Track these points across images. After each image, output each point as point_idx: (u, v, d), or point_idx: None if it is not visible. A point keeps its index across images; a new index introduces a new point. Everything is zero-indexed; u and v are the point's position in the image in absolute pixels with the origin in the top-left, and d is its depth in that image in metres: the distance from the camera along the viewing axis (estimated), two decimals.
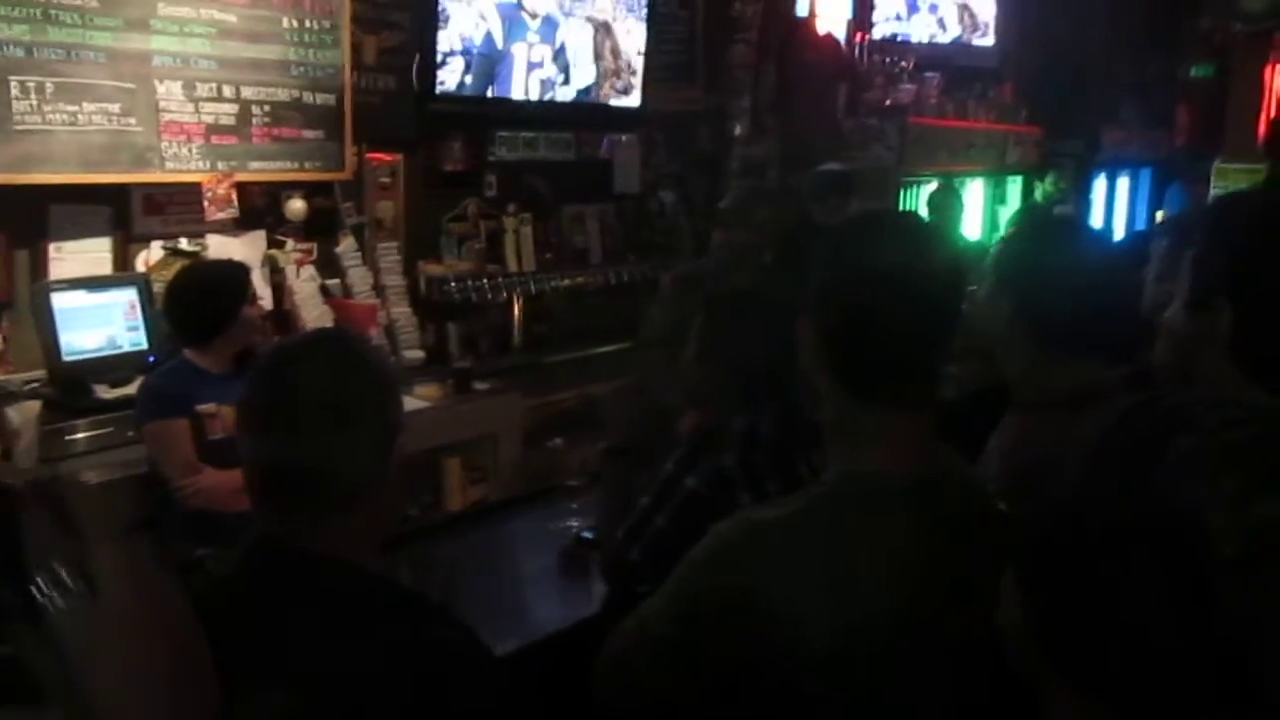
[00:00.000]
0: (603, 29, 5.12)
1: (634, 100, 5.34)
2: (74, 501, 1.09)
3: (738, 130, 6.06)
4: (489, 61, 4.66)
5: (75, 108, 3.50)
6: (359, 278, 4.22)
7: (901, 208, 6.05)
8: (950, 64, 7.10)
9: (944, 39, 7.12)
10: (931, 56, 6.98)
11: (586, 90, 5.09)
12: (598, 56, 5.12)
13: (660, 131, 5.65)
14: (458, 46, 4.53)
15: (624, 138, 5.44)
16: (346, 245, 4.22)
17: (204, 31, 3.79)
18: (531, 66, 4.84)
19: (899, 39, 6.88)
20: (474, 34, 4.59)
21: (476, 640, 1.32)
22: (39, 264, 3.51)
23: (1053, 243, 1.79)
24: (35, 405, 3.13)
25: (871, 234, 1.35)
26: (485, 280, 4.52)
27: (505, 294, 4.64)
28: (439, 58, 4.46)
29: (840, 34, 6.61)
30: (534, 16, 4.83)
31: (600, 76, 5.14)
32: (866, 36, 6.74)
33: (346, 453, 1.24)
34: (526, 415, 4.21)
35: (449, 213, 4.67)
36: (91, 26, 3.52)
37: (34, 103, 3.40)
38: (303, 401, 1.25)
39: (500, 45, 4.69)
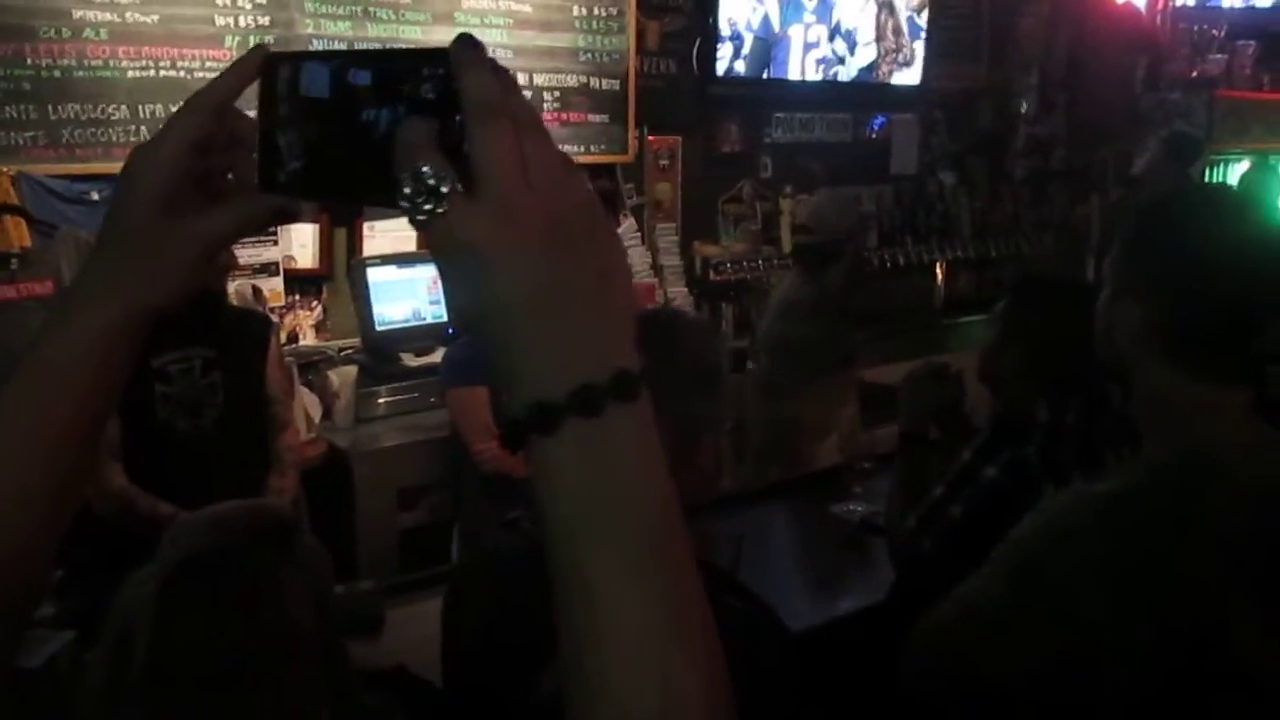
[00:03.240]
0: (885, 7, 5.01)
1: (913, 78, 5.20)
2: None
3: (1024, 108, 5.79)
4: (766, 44, 4.67)
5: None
6: (638, 257, 4.33)
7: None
8: (1266, 30, 6.46)
9: (1262, 2, 6.49)
10: (1245, 23, 6.38)
11: (868, 69, 5.01)
12: (879, 36, 5.02)
13: (940, 110, 5.48)
14: (736, 30, 4.56)
15: (901, 117, 5.31)
16: (626, 226, 4.35)
17: (501, 22, 4.00)
18: (808, 47, 4.80)
19: (1208, 5, 6.33)
20: (752, 17, 4.61)
21: (775, 616, 1.33)
22: (354, 242, 3.82)
23: None
24: (352, 370, 3.42)
25: (1201, 209, 1.30)
26: (760, 261, 4.55)
27: (779, 275, 4.64)
28: (718, 41, 4.51)
29: (1140, 2, 6.17)
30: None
31: (880, 56, 5.04)
32: (1170, 4, 6.25)
33: None
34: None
35: (725, 194, 4.72)
36: (403, 21, 3.80)
37: None
38: None
39: (777, 28, 4.69)
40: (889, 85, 5.14)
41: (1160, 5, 6.21)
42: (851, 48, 4.93)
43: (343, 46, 3.66)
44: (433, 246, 0.50)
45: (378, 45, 3.73)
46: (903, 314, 4.40)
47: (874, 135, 5.29)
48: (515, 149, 0.49)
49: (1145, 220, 1.33)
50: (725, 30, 4.53)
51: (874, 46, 5.00)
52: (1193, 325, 1.23)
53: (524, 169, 0.49)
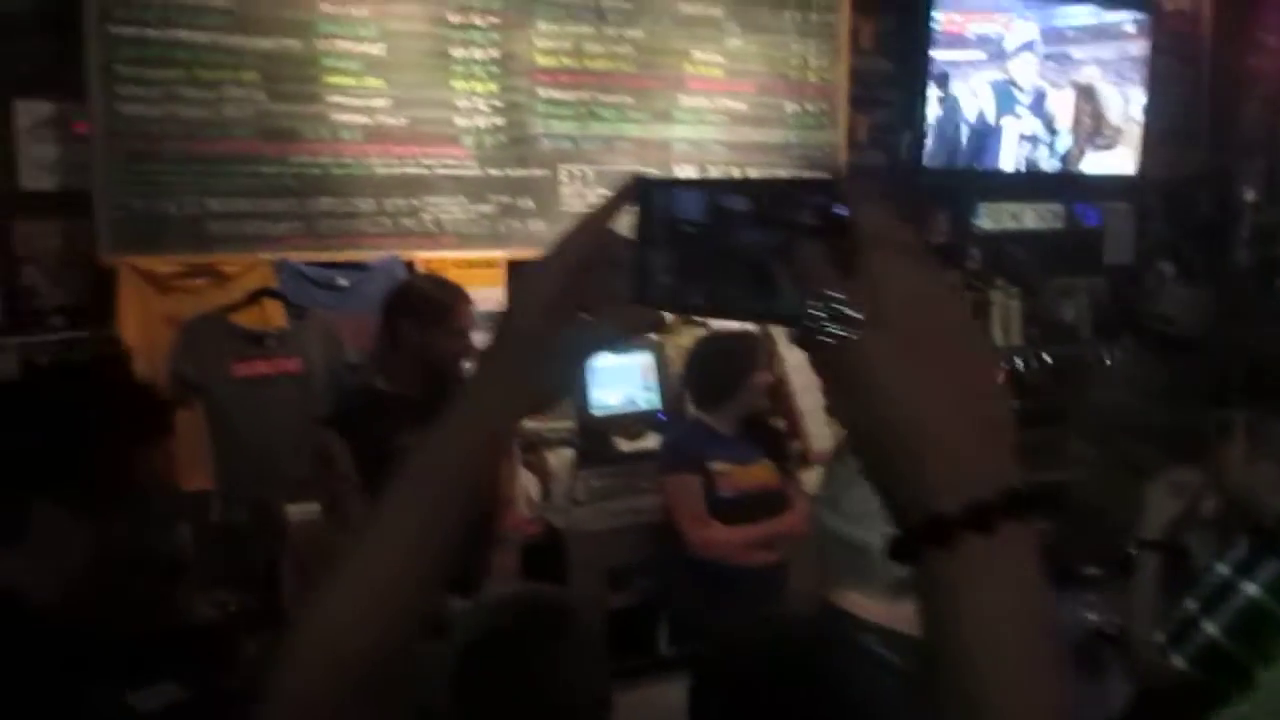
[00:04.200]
0: (1085, 92, 4.93)
1: (1125, 165, 5.07)
2: None
3: (1249, 195, 5.52)
4: (979, 136, 4.66)
5: (608, 191, 3.95)
6: None
7: None
8: None
9: None
10: None
11: (1068, 156, 4.93)
12: (1078, 121, 4.94)
13: (1157, 198, 5.29)
14: (947, 123, 4.57)
15: (1115, 205, 5.17)
16: None
17: (716, 120, 4.14)
18: (1021, 139, 4.77)
19: None
20: (966, 111, 4.61)
21: None
22: None
23: None
24: (569, 453, 3.54)
25: None
26: None
27: None
28: (927, 133, 4.53)
29: None
30: (1023, 90, 4.76)
31: (1081, 141, 4.94)
32: None
33: None
34: None
35: None
36: (625, 120, 3.98)
37: (577, 188, 3.90)
38: None
39: (992, 120, 4.68)
40: (1101, 173, 5.03)
41: None
42: (1051, 137, 4.86)
43: (569, 145, 3.87)
44: (827, 365, 0.54)
45: (601, 141, 3.92)
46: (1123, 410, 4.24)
47: (1085, 224, 5.16)
48: (911, 278, 0.53)
49: None
50: (937, 123, 4.55)
51: (1070, 133, 4.91)
52: None
53: (919, 297, 0.53)
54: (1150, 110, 5.07)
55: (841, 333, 0.52)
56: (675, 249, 0.62)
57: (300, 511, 3.10)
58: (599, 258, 0.68)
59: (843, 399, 0.54)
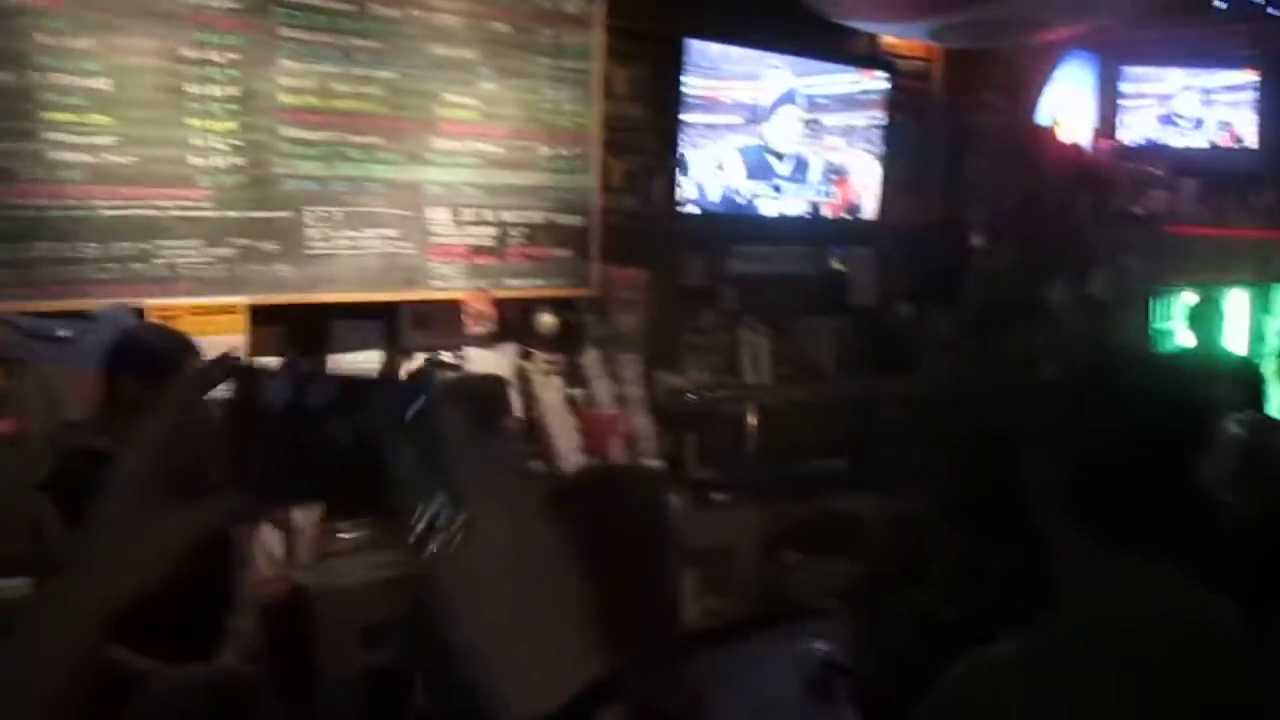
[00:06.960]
0: (834, 156, 5.25)
1: (869, 213, 5.39)
2: None
3: (976, 241, 5.98)
4: (735, 191, 4.86)
5: (357, 234, 3.87)
6: (602, 389, 4.38)
7: (1156, 321, 5.84)
8: (1209, 169, 6.74)
9: (1199, 144, 6.80)
10: (1187, 161, 6.67)
11: (818, 206, 5.20)
12: (827, 174, 5.24)
13: (896, 244, 5.65)
14: (704, 192, 4.75)
15: (858, 251, 5.48)
16: (591, 358, 4.41)
17: (470, 162, 4.12)
18: (776, 193, 5.01)
19: (1151, 144, 6.63)
20: (715, 181, 4.78)
21: None
22: None
23: None
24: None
25: (1107, 378, 1.33)
26: (722, 392, 4.61)
27: (741, 406, 4.71)
28: (677, 182, 4.67)
29: (1085, 141, 6.47)
30: (781, 158, 5.00)
31: (826, 193, 5.25)
32: (1114, 143, 6.55)
33: None
34: (762, 530, 4.21)
35: (688, 325, 4.81)
36: (375, 161, 3.90)
37: (324, 230, 3.79)
38: None
39: (747, 179, 4.89)
40: (848, 220, 5.33)
41: (1103, 144, 6.50)
42: (804, 188, 5.15)
43: (314, 186, 3.75)
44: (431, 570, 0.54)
45: (349, 182, 3.82)
46: (863, 446, 4.49)
47: (830, 269, 5.44)
48: (492, 491, 0.55)
49: (1062, 388, 1.38)
50: (692, 193, 4.70)
51: (825, 185, 5.23)
52: (1090, 493, 1.22)
53: (497, 510, 0.54)
54: (888, 161, 5.40)
55: (433, 545, 0.53)
56: (269, 437, 0.60)
57: (10, 587, 2.83)
58: (183, 439, 0.63)
59: (439, 610, 0.55)
